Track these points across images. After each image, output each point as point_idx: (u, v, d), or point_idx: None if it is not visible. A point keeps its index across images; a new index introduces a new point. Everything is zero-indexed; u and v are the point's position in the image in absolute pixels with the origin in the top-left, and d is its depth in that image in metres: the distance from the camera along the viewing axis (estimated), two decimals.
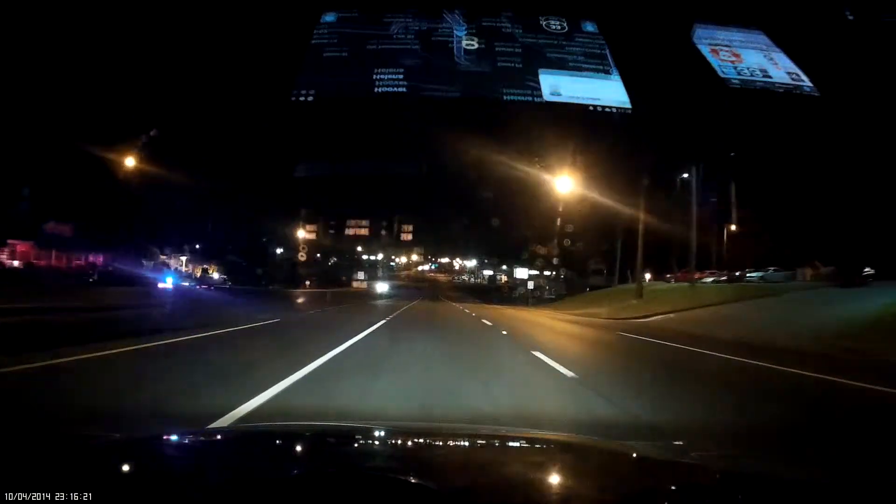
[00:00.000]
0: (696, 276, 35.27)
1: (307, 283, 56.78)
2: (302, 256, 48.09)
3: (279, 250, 64.74)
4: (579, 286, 57.13)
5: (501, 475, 1.92)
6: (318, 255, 74.16)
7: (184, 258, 53.60)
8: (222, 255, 56.93)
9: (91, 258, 37.40)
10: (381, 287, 71.65)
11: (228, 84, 35.43)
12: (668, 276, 44.94)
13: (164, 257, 49.05)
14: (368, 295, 53.11)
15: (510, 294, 73.65)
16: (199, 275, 47.59)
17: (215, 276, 54.04)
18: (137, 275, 30.38)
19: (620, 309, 28.67)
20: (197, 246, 55.31)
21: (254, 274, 54.51)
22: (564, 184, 35.96)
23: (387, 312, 25.91)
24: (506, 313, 31.43)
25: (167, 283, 29.51)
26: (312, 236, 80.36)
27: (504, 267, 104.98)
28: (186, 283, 36.19)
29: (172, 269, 46.50)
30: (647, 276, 45.26)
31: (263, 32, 28.34)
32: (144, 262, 41.13)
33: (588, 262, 60.75)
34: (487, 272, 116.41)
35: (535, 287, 60.47)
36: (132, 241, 38.91)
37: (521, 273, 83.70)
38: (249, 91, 34.83)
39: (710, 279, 35.86)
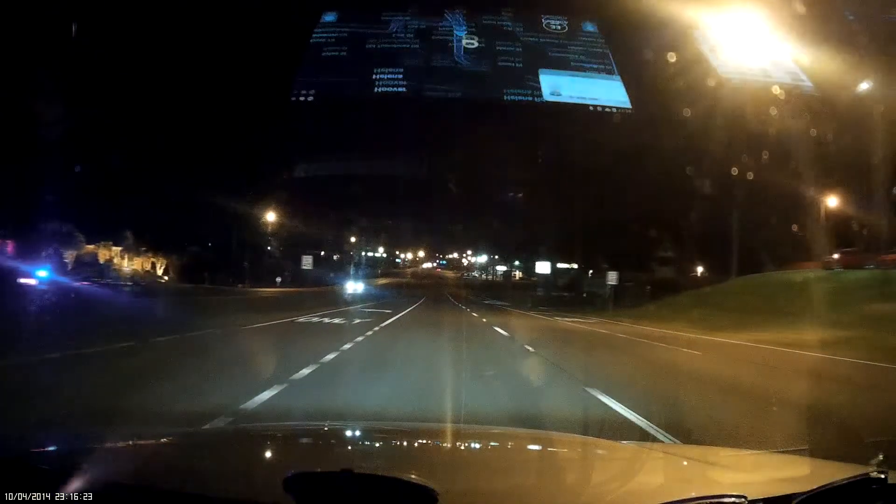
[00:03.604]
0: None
1: (278, 280, 52.52)
2: (308, 265, 45.83)
3: (273, 247, 62.30)
4: (636, 283, 44.22)
5: (502, 475, 1.92)
6: (322, 252, 71.73)
7: (117, 248, 46.93)
8: (182, 247, 50.10)
9: None
10: (369, 288, 60.24)
11: (227, 80, 35.51)
12: (832, 258, 29.18)
13: (92, 247, 42.86)
14: (342, 298, 39.43)
15: (535, 293, 59.41)
16: (71, 266, 38.39)
17: (160, 271, 49.76)
18: (12, 268, 24.90)
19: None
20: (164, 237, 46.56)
21: (223, 270, 49.51)
22: None
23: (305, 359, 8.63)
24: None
25: (33, 280, 24.64)
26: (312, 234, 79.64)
27: (517, 262, 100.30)
28: (70, 280, 30.13)
29: (84, 261, 38.45)
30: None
31: (264, 32, 28.41)
32: (67, 252, 36.37)
33: (623, 252, 47.88)
34: (501, 268, 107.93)
35: (602, 287, 41.27)
36: (39, 224, 32.20)
37: (543, 268, 74.04)
38: (248, 89, 34.92)
39: None
